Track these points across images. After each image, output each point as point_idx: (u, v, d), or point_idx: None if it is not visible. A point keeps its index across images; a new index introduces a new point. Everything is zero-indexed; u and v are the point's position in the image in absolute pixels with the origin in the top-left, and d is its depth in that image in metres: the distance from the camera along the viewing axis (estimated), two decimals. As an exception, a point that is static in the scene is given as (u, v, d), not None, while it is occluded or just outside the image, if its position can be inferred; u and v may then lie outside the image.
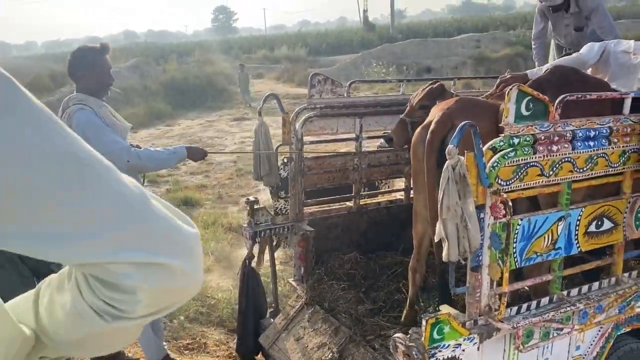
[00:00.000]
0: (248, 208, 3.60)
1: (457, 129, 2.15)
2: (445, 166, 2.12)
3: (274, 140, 3.85)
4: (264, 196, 6.32)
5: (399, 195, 4.47)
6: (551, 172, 2.42)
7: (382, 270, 3.83)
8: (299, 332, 3.44)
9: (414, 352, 2.19)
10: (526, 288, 2.95)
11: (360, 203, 4.16)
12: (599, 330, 2.78)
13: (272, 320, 3.75)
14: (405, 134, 3.37)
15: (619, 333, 2.87)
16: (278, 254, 5.71)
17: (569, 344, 2.70)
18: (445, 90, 3.46)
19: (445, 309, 2.36)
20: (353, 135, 3.97)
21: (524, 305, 2.49)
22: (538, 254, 2.47)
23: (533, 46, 4.34)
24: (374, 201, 4.29)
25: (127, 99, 19.03)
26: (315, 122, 3.73)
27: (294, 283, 3.84)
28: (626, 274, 2.87)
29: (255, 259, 3.73)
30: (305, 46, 31.23)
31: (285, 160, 3.72)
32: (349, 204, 4.17)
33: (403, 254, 3.95)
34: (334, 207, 4.12)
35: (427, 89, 3.47)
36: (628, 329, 2.92)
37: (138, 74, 22.13)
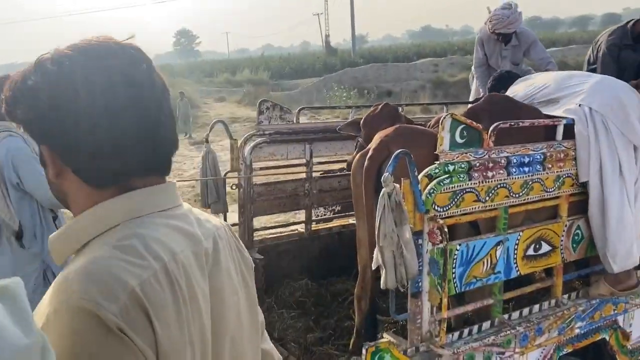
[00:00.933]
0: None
1: (392, 157, 2.18)
2: (381, 194, 2.14)
3: (223, 168, 3.83)
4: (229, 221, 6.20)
5: (352, 220, 4.48)
6: (487, 198, 2.47)
7: (333, 297, 3.82)
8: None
9: (354, 382, 2.18)
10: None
11: (312, 228, 4.15)
12: (541, 352, 2.82)
13: (221, 350, 3.67)
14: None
15: (561, 354, 2.92)
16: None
17: (512, 367, 2.73)
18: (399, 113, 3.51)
19: (387, 336, 2.37)
20: (304, 161, 3.98)
21: (465, 330, 2.51)
22: (478, 278, 2.50)
23: (476, 74, 4.46)
24: (326, 226, 4.29)
25: (84, 123, 18.64)
26: (264, 149, 3.72)
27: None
28: (566, 296, 2.93)
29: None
30: (268, 70, 31.42)
31: (234, 187, 3.70)
32: (301, 229, 4.16)
33: (355, 279, 3.94)
34: (285, 233, 4.09)
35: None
36: (570, 349, 2.98)
37: (96, 98, 21.73)
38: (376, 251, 2.17)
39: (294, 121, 3.87)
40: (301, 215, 4.27)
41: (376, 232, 2.15)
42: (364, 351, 2.16)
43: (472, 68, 4.51)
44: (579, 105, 2.84)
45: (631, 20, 3.91)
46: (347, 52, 37.40)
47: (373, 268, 2.23)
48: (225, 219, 3.78)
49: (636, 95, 2.89)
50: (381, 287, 2.21)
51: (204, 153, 3.63)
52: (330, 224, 4.31)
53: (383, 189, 2.14)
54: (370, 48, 44.79)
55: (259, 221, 6.21)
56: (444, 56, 31.11)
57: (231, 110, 21.71)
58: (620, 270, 2.86)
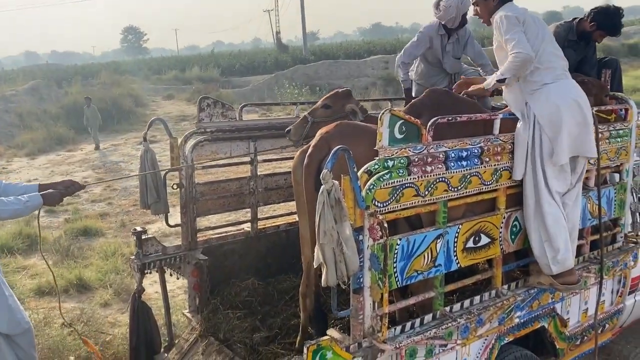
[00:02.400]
0: (135, 239, 3.43)
1: (331, 153, 2.16)
2: (320, 191, 2.11)
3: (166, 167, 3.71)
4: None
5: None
6: (427, 192, 2.48)
7: (280, 295, 3.78)
8: (193, 366, 3.29)
9: (296, 382, 2.15)
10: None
11: (259, 227, 4.09)
12: (483, 343, 2.88)
13: (166, 355, 3.58)
14: (302, 130, 3.41)
15: (502, 343, 2.98)
16: (182, 282, 5.52)
17: (455, 358, 2.77)
18: (351, 96, 3.52)
19: (330, 333, 2.35)
20: (248, 159, 3.91)
21: (408, 324, 2.52)
22: (419, 272, 2.52)
23: (404, 69, 4.42)
24: (273, 224, 4.24)
25: (23, 123, 17.87)
26: (206, 147, 3.63)
27: (188, 315, 3.69)
28: (505, 286, 3.00)
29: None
30: (218, 67, 30.87)
31: (175, 187, 3.59)
32: (247, 228, 4.09)
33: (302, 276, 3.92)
34: (230, 233, 4.02)
35: (334, 91, 3.56)
36: (511, 339, 3.05)
37: (37, 97, 20.86)
38: (317, 249, 2.14)
39: (237, 118, 3.79)
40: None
41: (316, 230, 2.13)
42: (305, 350, 2.14)
43: (401, 60, 4.45)
44: (526, 103, 2.92)
45: (576, 18, 4.07)
46: (298, 49, 37.26)
47: (315, 266, 2.21)
48: (166, 220, 3.68)
49: (581, 102, 2.96)
50: (322, 284, 2.18)
51: (142, 152, 3.51)
52: (277, 222, 4.26)
53: (322, 186, 2.11)
54: (321, 45, 44.79)
55: (209, 221, 6.11)
56: (394, 53, 31.41)
57: (180, 108, 21.26)
58: (559, 272, 2.97)
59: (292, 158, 3.74)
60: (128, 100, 20.83)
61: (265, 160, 4.16)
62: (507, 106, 3.15)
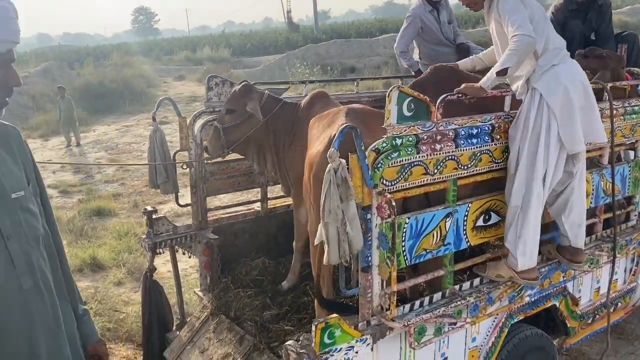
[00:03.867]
0: (146, 218, 3.45)
1: (338, 131, 2.14)
2: (327, 169, 2.10)
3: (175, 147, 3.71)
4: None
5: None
6: (436, 171, 2.46)
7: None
8: (204, 344, 3.33)
9: (304, 359, 2.16)
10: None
11: (268, 207, 4.10)
12: (493, 321, 2.87)
13: (177, 332, 3.62)
14: (219, 142, 3.35)
15: (512, 322, 2.97)
16: (194, 262, 5.57)
17: (465, 337, 2.77)
18: (251, 91, 3.40)
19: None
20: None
21: (417, 303, 2.52)
22: (428, 250, 2.51)
23: (404, 58, 4.33)
24: (283, 204, 4.24)
25: (37, 105, 18.00)
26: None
27: (200, 293, 3.72)
28: (516, 265, 2.97)
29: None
30: (229, 47, 30.77)
31: (185, 167, 3.60)
32: (257, 208, 4.10)
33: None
34: (240, 212, 4.03)
35: (232, 91, 3.43)
36: (521, 317, 3.03)
37: (49, 78, 20.97)
38: (320, 227, 2.14)
39: (246, 97, 3.77)
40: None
41: (321, 208, 2.12)
42: (313, 327, 2.14)
43: (400, 49, 4.38)
44: (532, 88, 2.71)
45: None
46: (309, 29, 36.96)
47: (316, 243, 2.20)
48: (176, 199, 3.70)
49: (587, 85, 2.78)
50: (324, 262, 2.18)
51: (151, 132, 3.51)
52: (287, 201, 4.26)
53: (329, 165, 2.10)
54: (332, 24, 44.38)
55: (221, 200, 6.11)
56: (406, 31, 31.02)
57: (191, 88, 21.25)
58: (523, 269, 2.76)
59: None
60: (140, 81, 20.90)
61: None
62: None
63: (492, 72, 2.67)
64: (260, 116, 3.29)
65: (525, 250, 2.72)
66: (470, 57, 3.33)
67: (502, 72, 2.62)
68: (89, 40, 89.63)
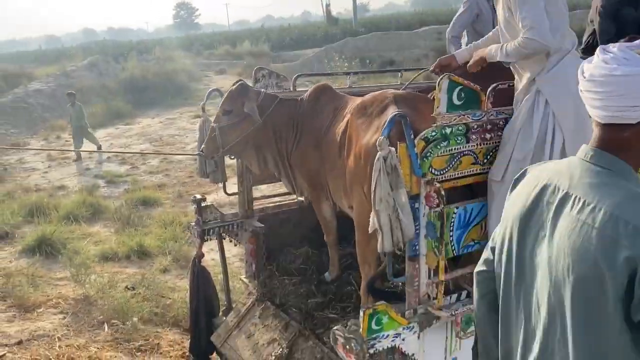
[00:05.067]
0: (195, 206, 3.55)
1: (387, 120, 2.16)
2: (376, 157, 2.12)
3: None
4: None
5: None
6: (485, 160, 2.45)
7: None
8: (250, 329, 3.41)
9: (352, 344, 2.20)
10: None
11: (312, 197, 4.14)
12: (540, 314, 2.83)
13: (224, 318, 3.72)
14: (215, 144, 3.30)
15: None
16: (237, 250, 5.69)
17: (511, 329, 2.75)
18: (248, 91, 3.29)
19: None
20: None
21: (464, 293, 2.52)
22: (476, 241, 2.50)
23: (454, 44, 4.19)
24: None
25: (84, 98, 18.59)
26: (261, 117, 3.68)
27: (245, 280, 3.81)
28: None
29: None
30: (268, 41, 30.99)
31: (232, 157, 3.67)
32: (301, 198, 4.14)
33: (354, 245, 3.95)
34: (285, 202, 4.09)
35: (228, 91, 3.35)
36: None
37: (95, 72, 21.62)
38: (372, 215, 2.17)
39: (291, 89, 3.82)
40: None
41: (372, 196, 2.15)
42: (361, 313, 2.18)
43: (451, 34, 4.29)
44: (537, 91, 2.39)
45: None
46: (348, 22, 36.82)
47: (370, 232, 2.23)
48: (224, 188, 3.79)
49: None
50: (377, 250, 2.21)
51: (200, 123, 3.60)
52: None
53: (378, 153, 2.12)
54: (372, 17, 44.11)
55: (268, 190, 6.20)
56: (447, 24, 30.42)
57: (232, 82, 21.43)
58: None
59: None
60: (182, 75, 21.30)
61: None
62: None
63: (497, 51, 2.43)
64: (258, 116, 3.19)
65: None
66: (467, 46, 3.07)
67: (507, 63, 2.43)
68: (132, 34, 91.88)
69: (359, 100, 2.97)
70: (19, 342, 4.13)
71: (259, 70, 3.68)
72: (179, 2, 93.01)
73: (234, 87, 3.33)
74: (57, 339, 4.21)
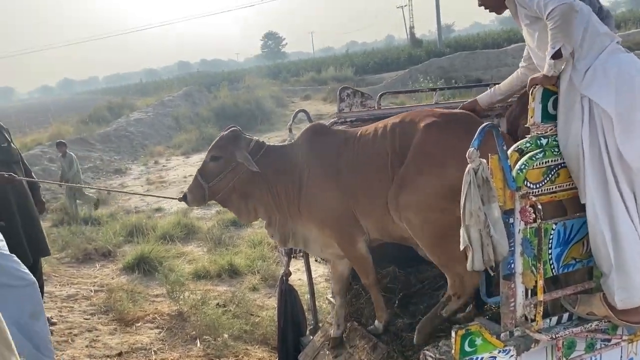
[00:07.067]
0: (282, 224, 3.59)
1: (478, 131, 2.08)
2: (466, 170, 2.05)
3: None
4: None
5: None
6: (586, 173, 2.28)
7: (421, 284, 3.72)
8: (338, 349, 3.38)
9: (444, 366, 2.11)
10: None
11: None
12: (655, 342, 2.58)
13: (311, 337, 3.71)
14: (200, 192, 3.18)
15: (679, 345, 2.65)
16: (323, 270, 5.70)
17: (620, 356, 2.52)
18: (240, 137, 3.17)
19: (477, 319, 2.27)
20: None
21: (565, 315, 2.35)
22: (578, 260, 2.33)
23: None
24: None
25: (179, 125, 19.74)
26: (347, 136, 3.69)
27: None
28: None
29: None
30: (352, 66, 31.44)
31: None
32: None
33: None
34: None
35: (219, 137, 3.19)
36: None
37: (190, 101, 22.94)
38: (462, 230, 2.08)
39: (376, 107, 3.81)
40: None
41: (461, 210, 2.07)
42: (453, 334, 2.08)
43: None
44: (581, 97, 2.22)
45: None
46: (432, 43, 36.53)
47: (461, 249, 2.14)
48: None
49: None
50: (467, 268, 2.11)
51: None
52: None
53: (468, 165, 2.05)
54: (457, 37, 43.44)
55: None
56: (537, 40, 29.41)
57: (316, 107, 21.95)
58: (625, 307, 2.24)
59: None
60: (269, 101, 22.07)
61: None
62: None
63: (548, 59, 2.23)
64: (255, 166, 3.02)
65: (626, 286, 2.21)
66: (489, 90, 2.94)
67: (558, 55, 2.20)
68: (223, 65, 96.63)
69: (392, 119, 2.90)
70: (119, 354, 4.36)
71: (343, 89, 3.71)
72: (267, 33, 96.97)
73: (225, 132, 3.19)
74: (153, 352, 4.40)
